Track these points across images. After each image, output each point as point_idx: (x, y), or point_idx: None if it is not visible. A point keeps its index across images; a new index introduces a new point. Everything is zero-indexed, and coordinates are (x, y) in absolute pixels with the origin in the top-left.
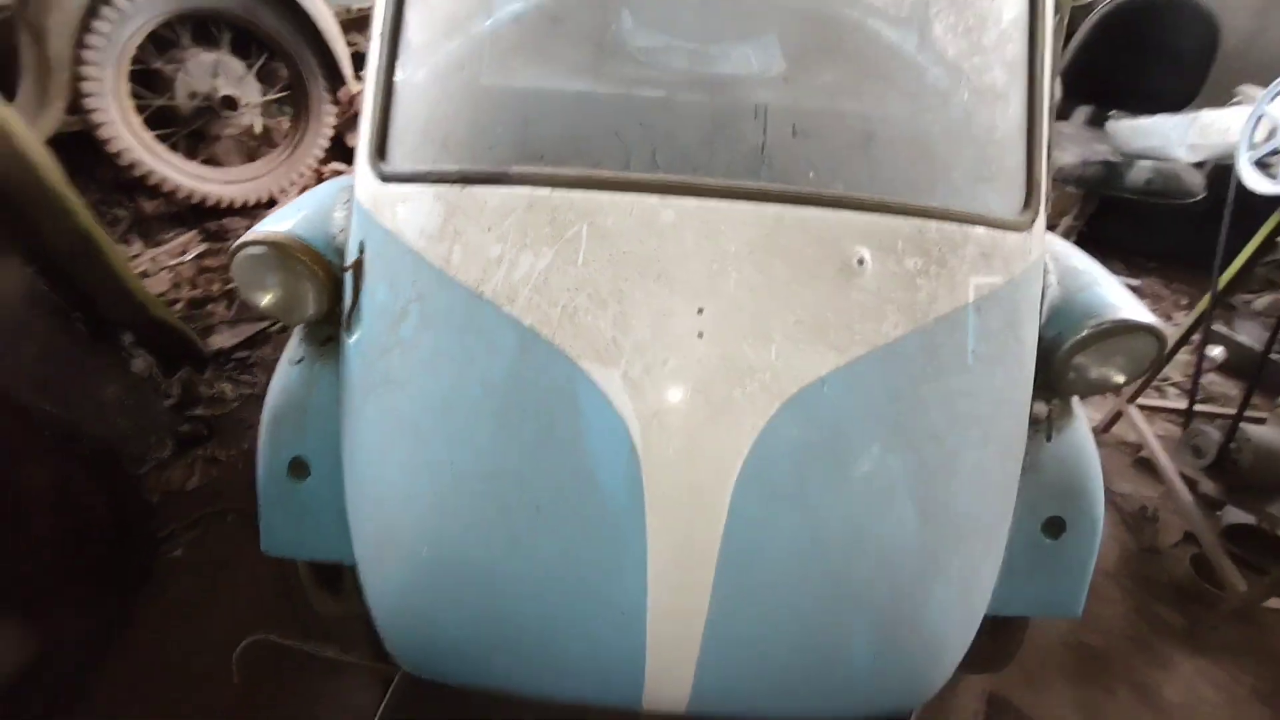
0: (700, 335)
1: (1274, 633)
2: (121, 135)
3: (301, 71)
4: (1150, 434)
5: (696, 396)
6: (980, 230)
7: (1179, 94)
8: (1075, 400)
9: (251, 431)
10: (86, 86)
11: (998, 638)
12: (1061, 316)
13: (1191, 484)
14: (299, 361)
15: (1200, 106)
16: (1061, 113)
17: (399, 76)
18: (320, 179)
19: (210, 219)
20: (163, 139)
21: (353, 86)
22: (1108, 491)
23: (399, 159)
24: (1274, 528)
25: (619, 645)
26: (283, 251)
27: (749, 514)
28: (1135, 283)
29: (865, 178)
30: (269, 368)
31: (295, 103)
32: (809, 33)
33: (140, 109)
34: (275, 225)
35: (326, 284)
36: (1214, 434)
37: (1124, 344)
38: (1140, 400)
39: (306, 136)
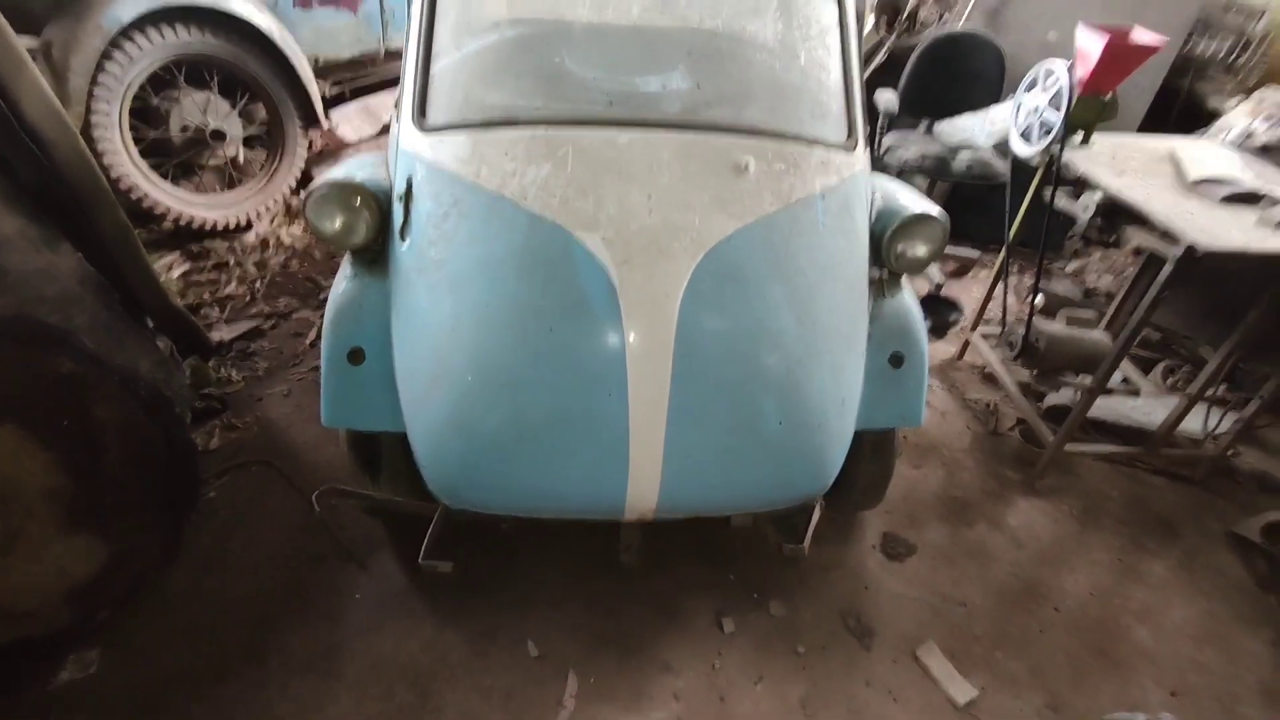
0: (650, 212)
1: (1080, 474)
2: (123, 164)
3: (280, 111)
4: (991, 354)
5: (651, 247)
6: (820, 149)
7: (984, 103)
8: (904, 278)
9: (261, 404)
10: (95, 119)
11: (875, 458)
12: (883, 216)
13: (1024, 387)
14: (352, 277)
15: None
16: (906, 123)
17: (433, 63)
18: (289, 210)
19: (192, 241)
20: (155, 167)
21: (325, 126)
22: (962, 399)
23: (436, 116)
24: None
25: (609, 440)
26: (346, 190)
27: (691, 324)
28: (975, 254)
29: (748, 117)
30: (270, 356)
31: (272, 138)
32: (708, 38)
33: (137, 140)
34: (335, 176)
35: (375, 216)
36: (1019, 330)
37: (922, 230)
38: (982, 331)
39: (281, 169)
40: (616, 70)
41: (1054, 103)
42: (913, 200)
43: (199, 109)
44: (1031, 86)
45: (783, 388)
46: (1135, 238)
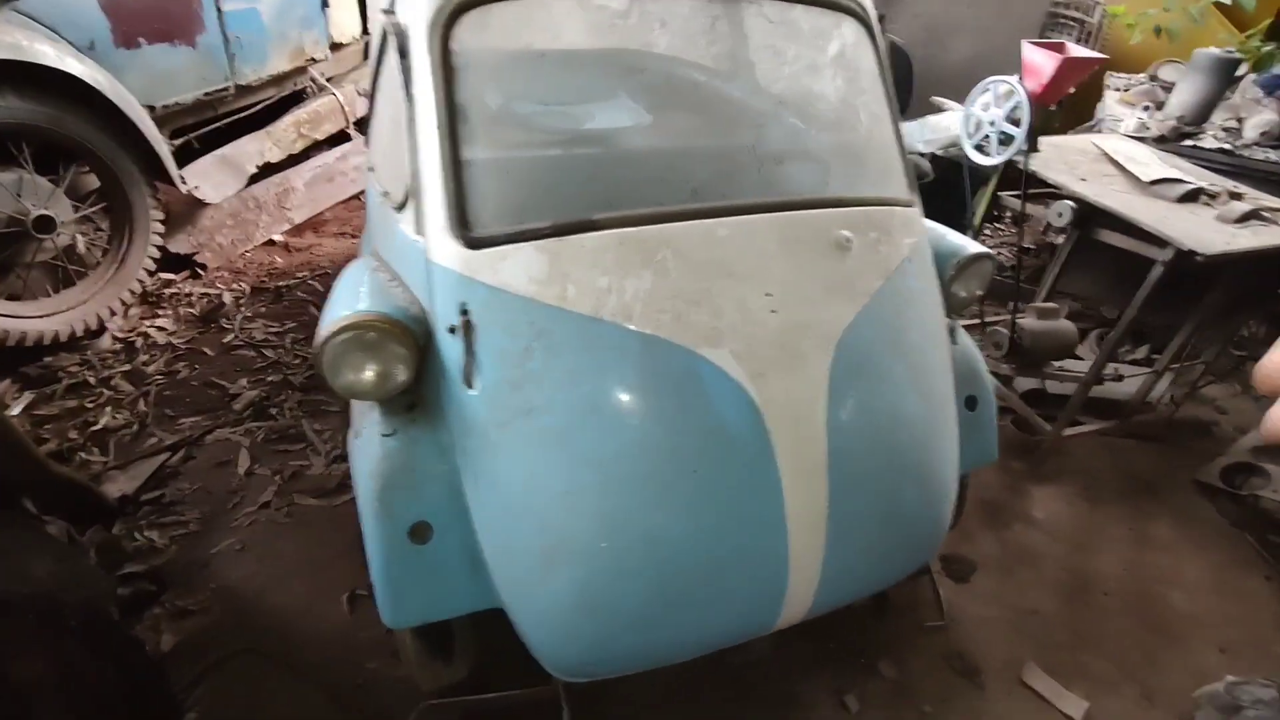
0: (772, 312)
1: (1069, 452)
2: None
3: (118, 178)
4: None
5: (783, 353)
6: (898, 209)
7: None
8: (955, 318)
9: (209, 570)
10: None
11: (957, 500)
12: (938, 260)
13: (1004, 380)
14: (391, 434)
15: (911, 114)
16: None
17: (465, 157)
18: (146, 297)
19: (28, 361)
20: None
21: (183, 188)
22: None
23: (485, 225)
24: (1044, 383)
25: (768, 571)
26: (373, 330)
27: (837, 429)
28: None
29: (832, 186)
30: (197, 502)
31: (115, 214)
32: (777, 104)
33: None
34: (348, 310)
35: (414, 353)
36: (1003, 330)
37: (979, 269)
38: None
39: (131, 250)
40: (692, 151)
41: (1011, 116)
42: (957, 239)
43: (10, 194)
44: (985, 102)
45: (918, 467)
46: (1111, 239)
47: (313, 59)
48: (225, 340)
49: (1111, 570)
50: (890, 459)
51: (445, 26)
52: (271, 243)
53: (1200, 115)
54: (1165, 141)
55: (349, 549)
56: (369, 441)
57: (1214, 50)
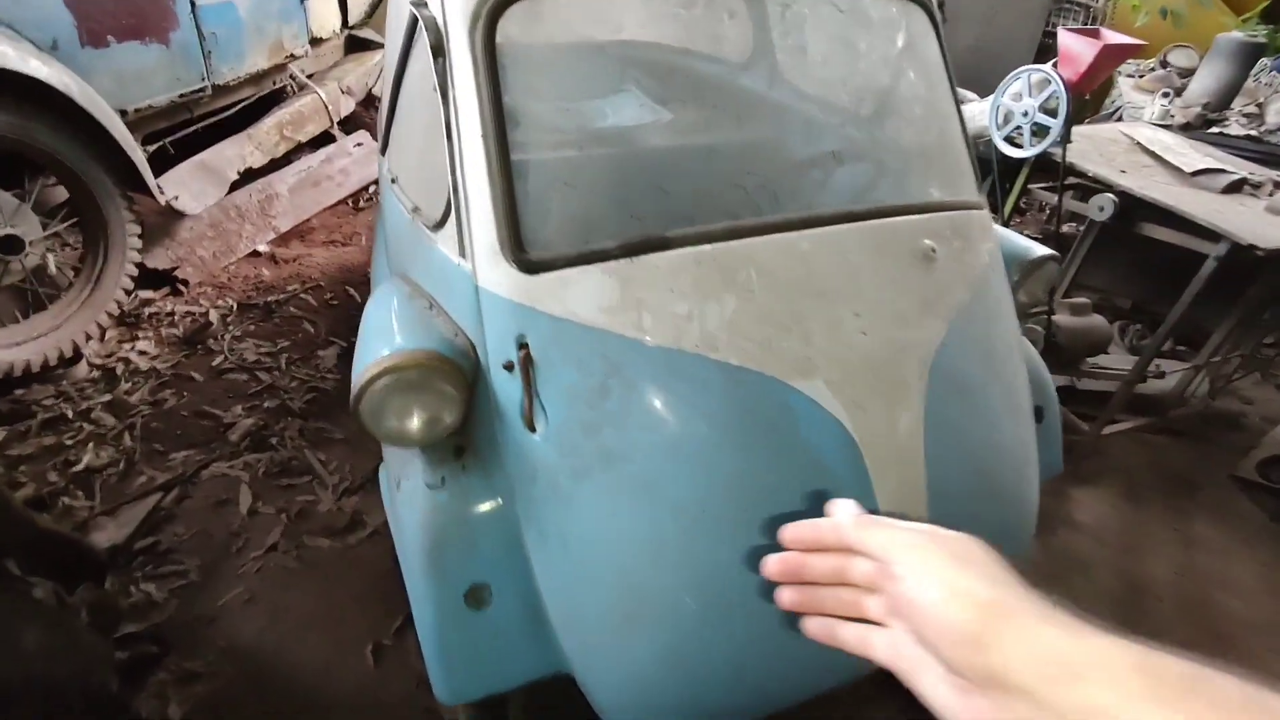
0: (864, 333)
1: (1104, 452)
2: None
3: (90, 190)
4: None
5: (879, 379)
6: (974, 212)
7: None
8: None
9: (216, 626)
10: None
11: None
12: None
13: None
14: (439, 484)
15: None
16: None
17: (516, 169)
18: (125, 318)
19: None
20: None
21: (161, 199)
22: None
23: (543, 246)
24: (1078, 381)
25: None
26: (417, 369)
27: (936, 459)
28: None
29: (911, 190)
30: (196, 549)
31: (87, 230)
32: (856, 99)
33: None
34: (388, 349)
35: (463, 393)
36: (1038, 328)
37: (1043, 272)
38: None
39: (107, 269)
40: (767, 155)
41: (1045, 106)
42: (1022, 240)
43: None
44: (1017, 91)
45: (1008, 491)
46: (1156, 234)
47: (292, 55)
48: (214, 363)
49: (1163, 575)
50: (984, 485)
51: (490, 19)
52: (256, 254)
53: (1223, 101)
54: (1191, 129)
55: (368, 594)
56: (414, 494)
57: (1237, 34)
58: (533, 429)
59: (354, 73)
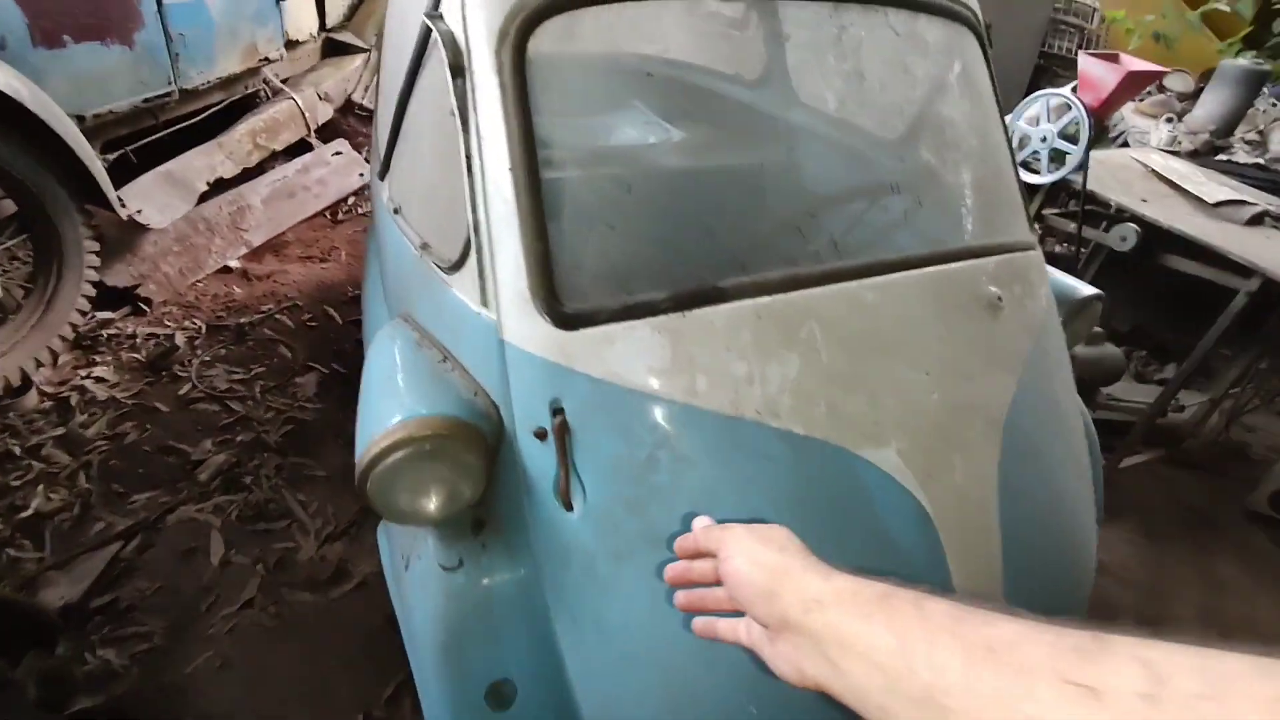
0: (934, 395)
1: (1117, 484)
2: None
3: (42, 202)
4: None
5: (953, 451)
6: (1030, 253)
7: None
8: None
9: (186, 698)
10: None
11: None
12: None
13: None
14: (455, 566)
15: None
16: None
17: (550, 207)
18: (80, 341)
19: None
20: None
21: (123, 214)
22: None
23: (581, 298)
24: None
25: None
26: (436, 438)
27: (1009, 520)
28: None
29: (972, 233)
30: (158, 606)
31: (37, 245)
32: (913, 131)
33: None
34: (399, 413)
35: (484, 461)
36: None
37: (1089, 312)
38: None
39: (61, 286)
40: (824, 194)
41: (1064, 132)
42: (1067, 279)
43: None
44: (1034, 115)
45: (1075, 549)
46: (1181, 266)
47: (267, 59)
48: (180, 392)
49: (1188, 616)
50: (1052, 544)
51: (521, 35)
52: (227, 270)
53: (1228, 128)
54: (1199, 156)
55: (356, 656)
56: (426, 576)
57: (1242, 61)
58: (569, 506)
59: (332, 78)
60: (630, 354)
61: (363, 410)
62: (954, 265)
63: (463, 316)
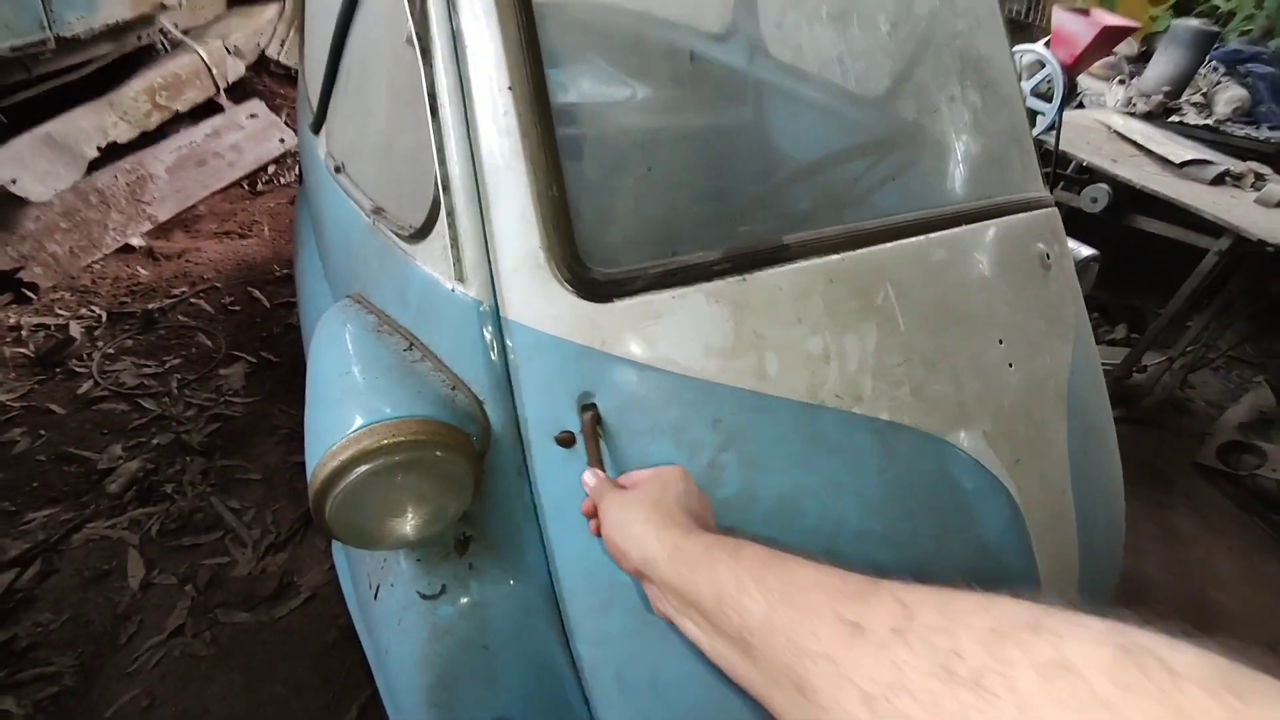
0: (1010, 365)
1: None
2: None
3: None
4: None
5: (1030, 427)
6: (1052, 209)
7: None
8: None
9: None
10: None
11: None
12: None
13: None
14: (437, 594)
15: None
16: None
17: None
18: None
19: None
20: None
21: None
22: None
23: (610, 260)
24: None
25: None
26: (411, 447)
27: (1081, 502)
28: None
29: (1010, 184)
30: (70, 641)
31: None
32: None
33: None
34: (361, 415)
35: (472, 468)
36: None
37: (1088, 272)
38: None
39: None
40: (875, 137)
41: (1037, 90)
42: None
43: None
44: None
45: (1117, 519)
46: (1150, 227)
47: (162, 5)
48: (80, 390)
49: (1156, 574)
50: (1105, 519)
51: None
52: (129, 249)
53: (1179, 89)
54: (1154, 117)
55: (308, 679)
56: (401, 607)
57: (1193, 21)
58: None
59: (241, 29)
60: (681, 330)
61: (312, 414)
62: (1004, 220)
63: (432, 295)
